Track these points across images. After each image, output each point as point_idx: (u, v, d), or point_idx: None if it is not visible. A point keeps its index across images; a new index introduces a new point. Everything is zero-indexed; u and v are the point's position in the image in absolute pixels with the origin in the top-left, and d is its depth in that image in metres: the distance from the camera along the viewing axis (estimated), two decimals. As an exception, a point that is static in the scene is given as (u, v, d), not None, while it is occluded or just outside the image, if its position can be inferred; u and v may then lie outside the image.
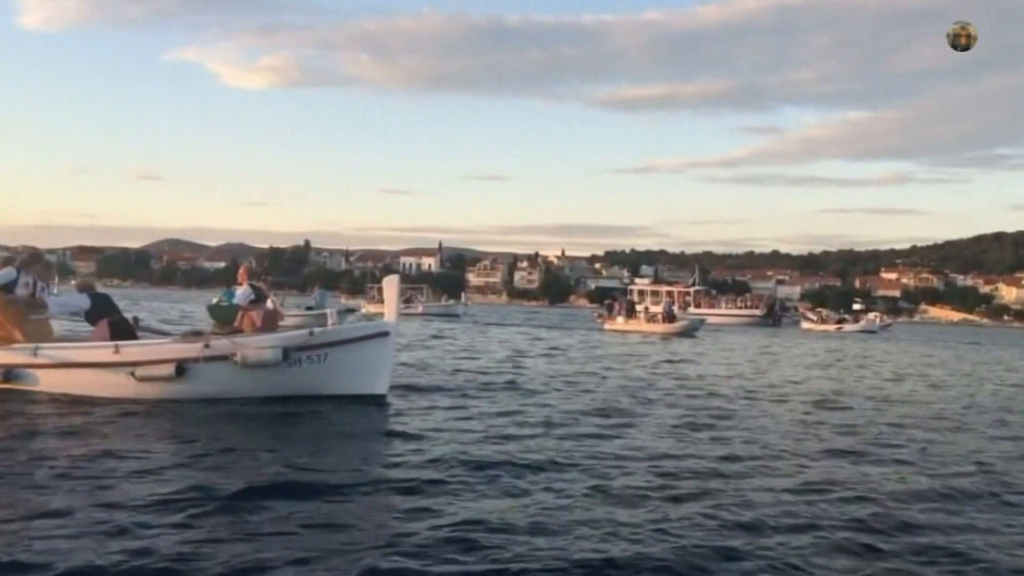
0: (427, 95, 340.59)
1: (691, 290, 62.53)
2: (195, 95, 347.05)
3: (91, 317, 10.16)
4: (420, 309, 49.97)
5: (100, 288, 10.76)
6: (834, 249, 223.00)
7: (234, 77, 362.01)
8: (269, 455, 6.75)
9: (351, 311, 30.98)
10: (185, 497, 5.32)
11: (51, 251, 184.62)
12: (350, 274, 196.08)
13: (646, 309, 42.16)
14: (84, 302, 10.21)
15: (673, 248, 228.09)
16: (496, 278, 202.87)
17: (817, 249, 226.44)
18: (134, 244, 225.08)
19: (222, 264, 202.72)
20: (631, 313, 40.71)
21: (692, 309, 57.41)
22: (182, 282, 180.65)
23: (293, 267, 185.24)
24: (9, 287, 9.82)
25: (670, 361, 20.02)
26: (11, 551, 4.25)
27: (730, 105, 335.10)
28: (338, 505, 5.36)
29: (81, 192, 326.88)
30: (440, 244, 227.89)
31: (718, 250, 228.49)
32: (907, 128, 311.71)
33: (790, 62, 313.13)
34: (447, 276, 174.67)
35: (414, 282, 78.31)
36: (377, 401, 9.49)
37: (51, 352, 9.62)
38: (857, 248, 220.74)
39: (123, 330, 9.96)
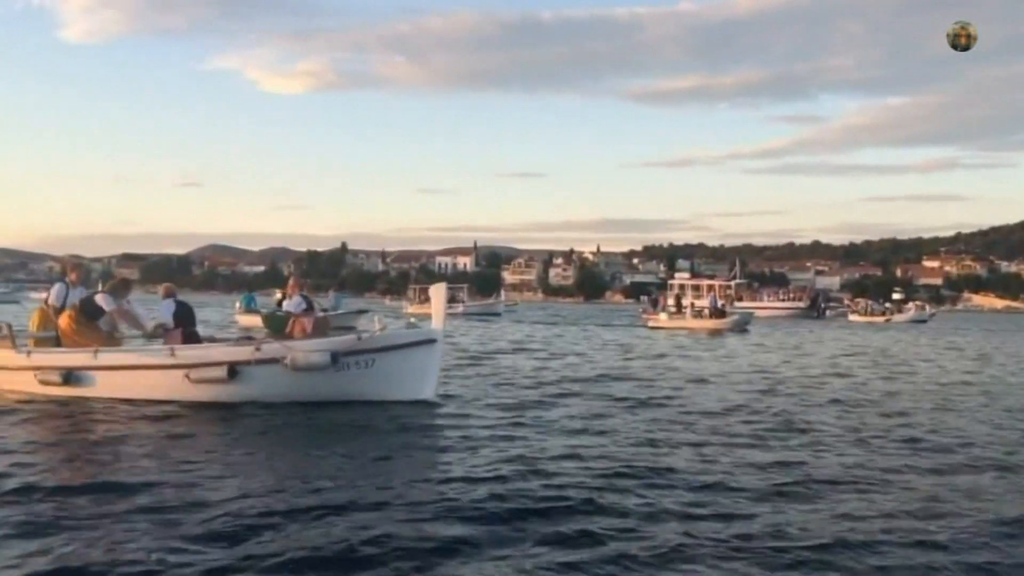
0: (461, 94, 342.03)
1: (732, 283, 61.81)
2: (234, 101, 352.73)
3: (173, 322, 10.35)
4: (461, 309, 50.13)
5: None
6: (876, 238, 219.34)
7: (271, 83, 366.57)
8: (317, 460, 6.85)
9: (362, 312, 31.17)
10: (234, 504, 5.42)
11: (96, 259, 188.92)
12: (386, 275, 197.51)
13: (691, 304, 41.10)
14: (170, 307, 10.47)
15: (712, 241, 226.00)
16: (531, 275, 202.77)
17: (859, 239, 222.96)
18: (178, 250, 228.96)
19: (261, 268, 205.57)
20: (677, 308, 39.69)
21: (735, 303, 56.64)
22: (223, 287, 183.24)
23: (330, 269, 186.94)
24: (95, 313, 10.22)
25: (757, 361, 19.25)
26: (88, 552, 4.37)
27: (767, 95, 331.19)
28: (383, 517, 5.31)
29: (124, 201, 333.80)
30: (475, 243, 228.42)
31: (758, 242, 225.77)
32: (949, 112, 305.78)
33: (827, 49, 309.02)
34: (483, 275, 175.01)
35: (450, 281, 78.33)
36: (424, 407, 9.51)
37: (109, 355, 9.90)
38: (900, 236, 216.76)
39: (193, 343, 10.20)
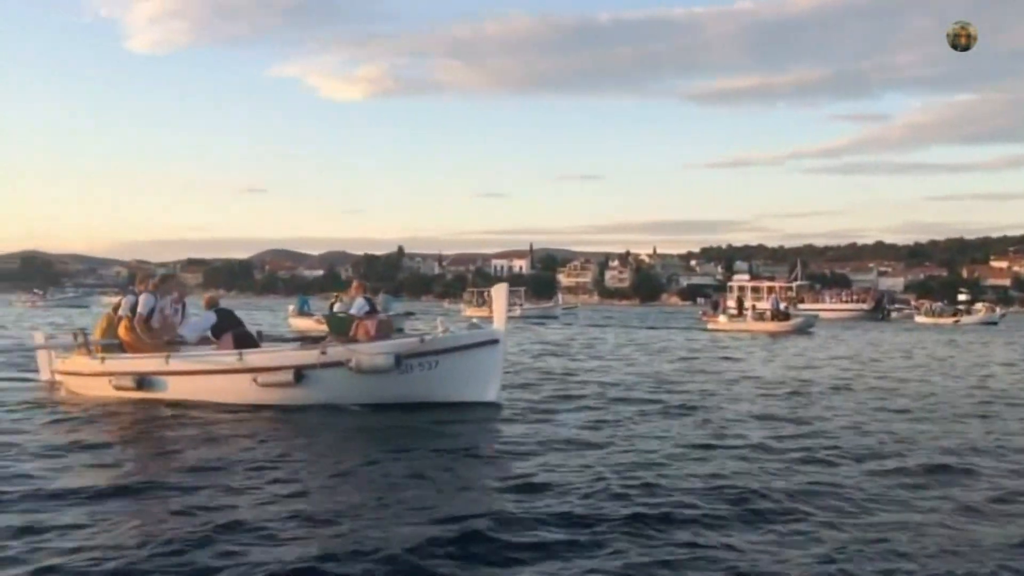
0: (518, 97, 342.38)
1: (793, 285, 60.54)
2: (296, 108, 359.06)
3: (216, 331, 10.55)
4: (519, 312, 50.18)
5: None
6: (942, 238, 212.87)
7: (332, 89, 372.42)
8: (383, 463, 6.88)
9: (410, 314, 31.47)
10: (301, 505, 5.50)
11: (163, 264, 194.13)
12: (443, 278, 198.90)
13: (753, 307, 40.14)
14: (211, 319, 10.63)
15: (771, 242, 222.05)
16: (587, 278, 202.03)
17: (924, 238, 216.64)
18: (242, 255, 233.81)
19: (320, 272, 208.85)
20: (738, 311, 38.80)
21: (798, 305, 55.39)
22: (283, 291, 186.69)
23: (387, 273, 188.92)
24: (148, 318, 10.45)
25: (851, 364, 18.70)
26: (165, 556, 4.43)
27: (828, 93, 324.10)
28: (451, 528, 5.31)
29: (191, 206, 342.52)
30: (531, 246, 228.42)
31: (819, 243, 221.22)
32: (1019, 109, 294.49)
33: (890, 46, 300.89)
34: (538, 277, 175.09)
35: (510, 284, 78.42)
36: (487, 408, 9.51)
37: (180, 360, 10.10)
38: (967, 236, 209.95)
39: (247, 343, 10.37)
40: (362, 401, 9.49)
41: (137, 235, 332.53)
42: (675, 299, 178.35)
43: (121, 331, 10.62)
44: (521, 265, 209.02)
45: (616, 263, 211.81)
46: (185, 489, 5.77)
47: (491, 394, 9.69)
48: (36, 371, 12.44)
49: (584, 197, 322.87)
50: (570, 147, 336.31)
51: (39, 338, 12.66)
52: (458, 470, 6.58)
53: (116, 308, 11.41)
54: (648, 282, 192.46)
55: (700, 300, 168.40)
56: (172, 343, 10.56)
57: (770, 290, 56.37)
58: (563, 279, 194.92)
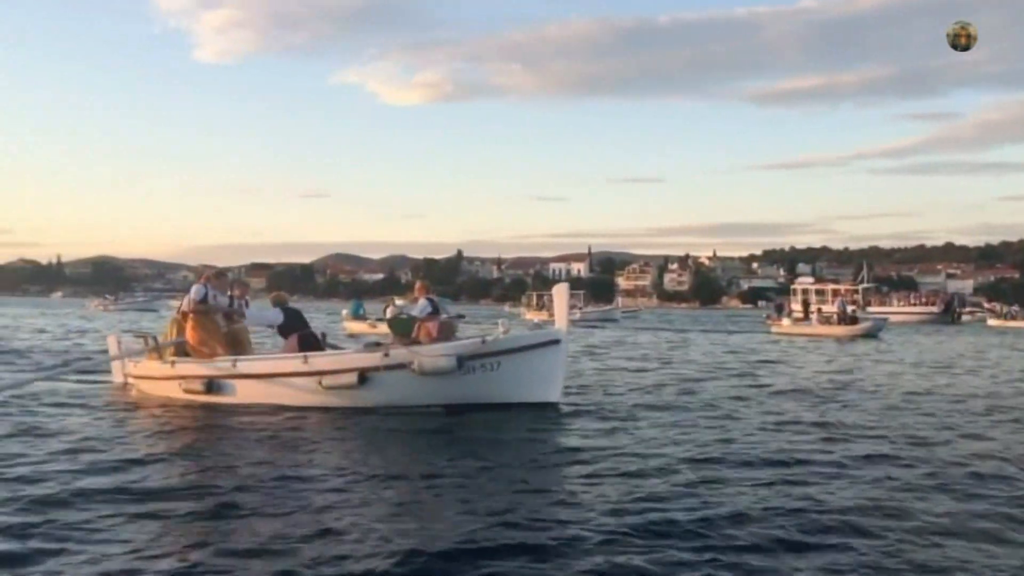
0: (577, 100, 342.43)
1: (859, 288, 58.98)
2: (356, 114, 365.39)
3: (283, 331, 10.74)
4: (578, 315, 50.05)
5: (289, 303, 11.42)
6: (1015, 239, 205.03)
7: (392, 95, 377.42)
8: (447, 466, 6.87)
9: (460, 317, 31.54)
10: (368, 508, 5.51)
11: (228, 268, 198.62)
12: (501, 282, 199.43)
13: (818, 310, 39.09)
14: (278, 316, 10.84)
15: (836, 244, 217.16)
16: (646, 281, 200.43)
17: (995, 239, 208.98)
18: (304, 259, 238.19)
19: (380, 276, 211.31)
20: (804, 314, 37.77)
21: (867, 308, 53.86)
22: (344, 294, 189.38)
23: (446, 277, 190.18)
24: (203, 301, 10.68)
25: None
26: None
27: (894, 92, 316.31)
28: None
29: (255, 212, 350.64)
30: (589, 249, 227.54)
31: (885, 244, 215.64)
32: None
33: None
34: (596, 281, 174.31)
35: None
36: (550, 409, 9.47)
37: (247, 364, 10.31)
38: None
39: (311, 344, 10.53)
40: (425, 403, 9.53)
41: (202, 240, 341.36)
42: (735, 302, 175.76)
43: (187, 328, 10.85)
44: (579, 268, 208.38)
45: (675, 266, 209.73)
46: (253, 492, 5.84)
47: (553, 395, 9.65)
48: (109, 373, 12.81)
49: (643, 200, 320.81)
50: (629, 150, 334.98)
51: (112, 344, 13.03)
52: (520, 472, 6.52)
53: (179, 309, 11.73)
54: (708, 285, 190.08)
55: (761, 303, 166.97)
56: (230, 320, 10.78)
57: (835, 293, 54.92)
58: (622, 282, 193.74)
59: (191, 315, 10.81)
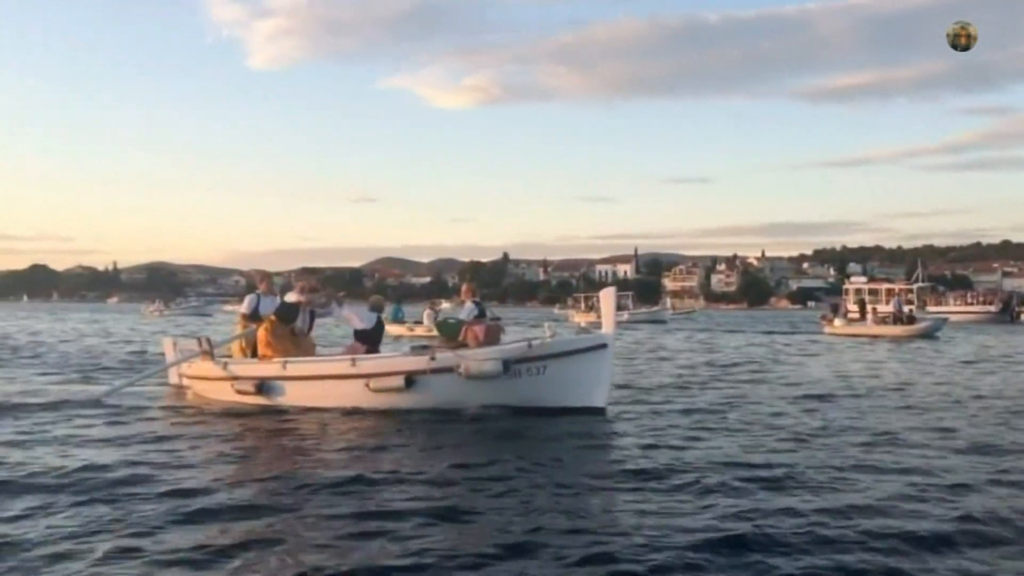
0: (626, 101, 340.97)
1: (914, 287, 57.57)
2: (405, 119, 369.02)
3: (362, 336, 10.85)
4: (626, 316, 49.76)
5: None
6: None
7: (440, 99, 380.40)
8: (494, 470, 6.90)
9: (496, 319, 31.63)
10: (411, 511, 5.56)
11: (278, 273, 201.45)
12: (547, 284, 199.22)
13: (874, 310, 38.10)
14: (372, 320, 10.99)
15: (889, 243, 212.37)
16: (693, 282, 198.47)
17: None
18: (354, 263, 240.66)
19: (427, 279, 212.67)
20: (861, 314, 36.69)
21: (926, 308, 52.39)
22: (391, 298, 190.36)
23: (493, 279, 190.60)
24: (290, 316, 10.88)
25: None
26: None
27: (951, 87, 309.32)
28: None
29: (305, 217, 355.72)
30: (635, 250, 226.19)
31: (940, 243, 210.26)
32: None
33: (1020, 35, 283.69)
34: (643, 282, 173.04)
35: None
36: (596, 414, 9.43)
37: (297, 365, 10.47)
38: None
39: (373, 352, 10.64)
40: (471, 406, 9.56)
41: (254, 245, 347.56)
42: (784, 302, 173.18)
43: (261, 332, 10.95)
44: (626, 270, 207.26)
45: (723, 267, 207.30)
46: (302, 493, 5.94)
47: (600, 400, 9.60)
48: (165, 375, 13.14)
49: (692, 200, 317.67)
50: (677, 150, 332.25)
51: (168, 347, 13.38)
52: (566, 478, 6.49)
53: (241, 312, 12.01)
54: (756, 285, 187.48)
55: (811, 303, 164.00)
56: (307, 343, 10.97)
57: (889, 292, 53.76)
58: (668, 283, 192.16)
59: (269, 324, 10.93)
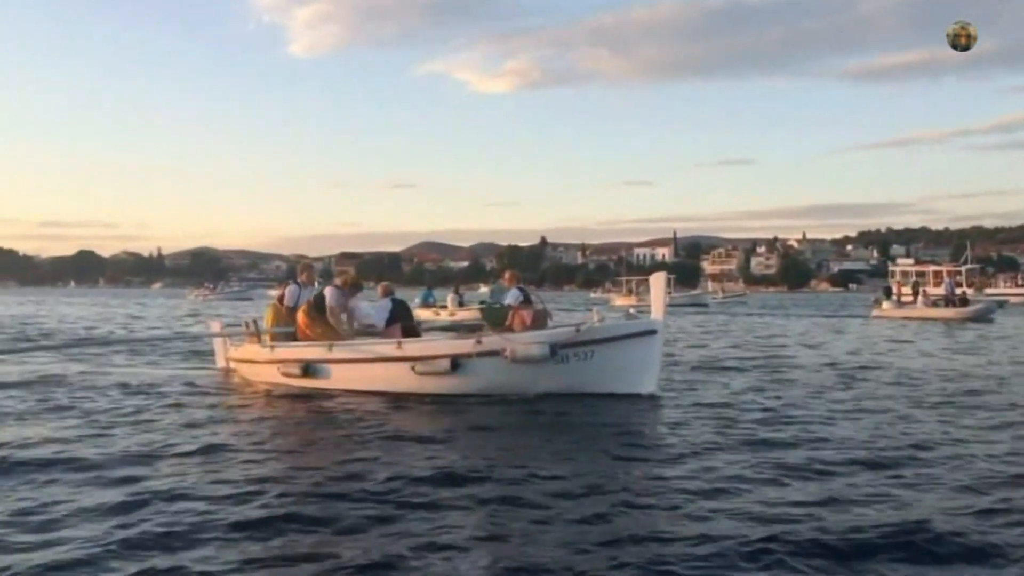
0: (666, 84, 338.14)
1: (963, 269, 56.21)
2: (444, 104, 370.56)
3: (388, 320, 10.84)
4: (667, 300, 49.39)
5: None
6: None
7: (480, 84, 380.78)
8: (543, 456, 6.76)
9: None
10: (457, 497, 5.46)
11: (318, 258, 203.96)
12: (585, 268, 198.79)
13: (924, 292, 37.24)
14: (389, 307, 10.94)
15: (936, 225, 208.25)
16: (732, 265, 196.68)
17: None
18: (395, 248, 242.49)
19: (465, 264, 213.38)
20: (914, 296, 35.78)
21: (984, 290, 50.99)
22: (430, 282, 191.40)
23: (530, 263, 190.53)
24: (322, 306, 10.80)
25: None
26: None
27: (1002, 65, 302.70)
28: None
29: (345, 202, 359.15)
30: (675, 234, 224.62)
31: (989, 224, 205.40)
32: None
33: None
34: (682, 265, 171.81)
35: (648, 273, 77.49)
36: (645, 401, 9.24)
37: (343, 348, 10.46)
38: None
39: (412, 336, 10.61)
40: (517, 391, 9.45)
41: (295, 231, 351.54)
42: (824, 285, 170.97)
43: (300, 318, 10.98)
44: (664, 253, 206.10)
45: (763, 249, 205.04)
46: (345, 478, 5.86)
47: (649, 386, 9.42)
48: (213, 359, 13.28)
49: (735, 183, 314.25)
50: (719, 132, 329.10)
51: (215, 327, 13.50)
52: (615, 469, 6.29)
53: (280, 299, 11.97)
54: (796, 268, 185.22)
55: (852, 286, 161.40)
56: (362, 333, 10.90)
57: (936, 274, 52.49)
58: (707, 266, 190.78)
59: (307, 311, 10.92)
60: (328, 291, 10.98)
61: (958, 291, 36.57)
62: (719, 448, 6.77)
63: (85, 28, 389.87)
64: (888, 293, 38.54)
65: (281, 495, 5.35)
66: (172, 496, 5.29)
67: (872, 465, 6.13)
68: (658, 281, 9.64)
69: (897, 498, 5.23)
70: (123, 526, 4.66)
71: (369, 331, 10.92)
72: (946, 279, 43.09)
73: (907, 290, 37.99)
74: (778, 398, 9.70)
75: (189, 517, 4.82)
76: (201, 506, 5.06)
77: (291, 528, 4.68)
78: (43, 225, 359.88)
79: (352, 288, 11.23)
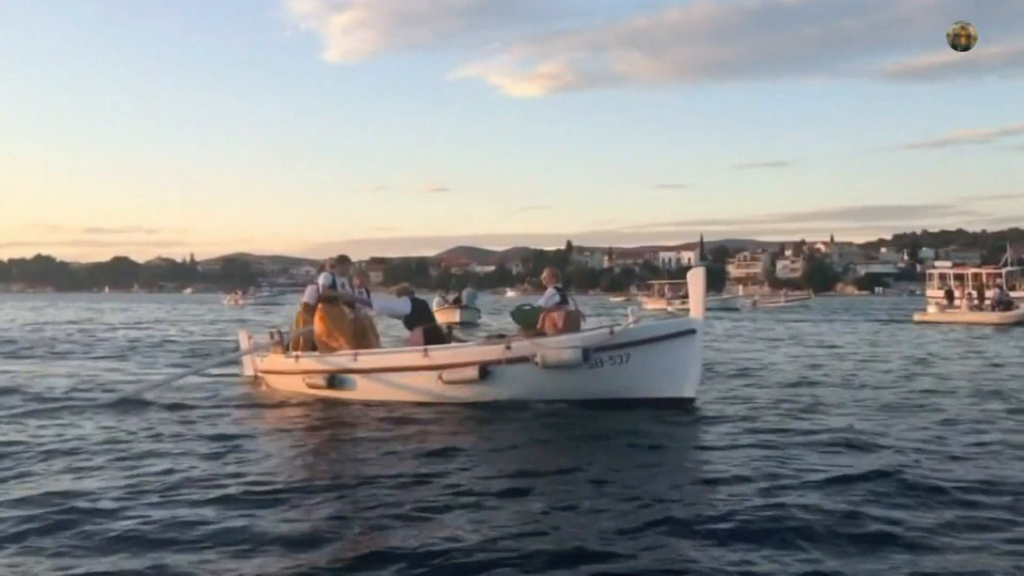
0: (700, 86, 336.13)
1: (1003, 271, 54.80)
2: (478, 108, 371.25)
3: (409, 323, 10.55)
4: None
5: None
6: None
7: (513, 87, 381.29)
8: (576, 470, 6.38)
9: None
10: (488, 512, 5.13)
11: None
12: (611, 272, 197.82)
13: (969, 295, 36.07)
14: (405, 307, 10.69)
15: (973, 227, 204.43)
16: (757, 268, 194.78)
17: None
18: (429, 252, 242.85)
19: (491, 268, 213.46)
20: (975, 299, 34.31)
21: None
22: (456, 287, 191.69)
23: (556, 268, 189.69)
24: (332, 287, 10.64)
25: None
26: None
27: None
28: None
29: (382, 207, 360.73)
30: (701, 237, 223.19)
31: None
32: None
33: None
34: (709, 269, 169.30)
35: (674, 277, 76.98)
36: (684, 406, 8.80)
37: (368, 358, 10.17)
38: None
39: (436, 338, 10.32)
40: (549, 398, 9.05)
41: (332, 236, 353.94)
42: (850, 288, 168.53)
43: (316, 317, 10.78)
44: (690, 257, 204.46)
45: (790, 252, 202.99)
46: (349, 488, 5.58)
47: (688, 390, 8.92)
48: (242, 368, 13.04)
49: (771, 185, 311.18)
50: (755, 134, 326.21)
51: (243, 338, 13.28)
52: (654, 481, 5.89)
53: (303, 301, 11.76)
54: (821, 271, 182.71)
55: (879, 289, 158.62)
56: (355, 310, 10.74)
57: (975, 277, 51.19)
58: (732, 270, 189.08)
59: (320, 305, 10.74)
60: (320, 278, 10.82)
61: (1011, 295, 35.15)
62: (764, 462, 6.33)
63: (125, 36, 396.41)
64: (950, 297, 37.28)
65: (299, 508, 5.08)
66: (166, 502, 5.10)
67: None
68: (697, 279, 9.10)
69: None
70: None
71: (363, 301, 10.82)
72: (997, 282, 41.34)
73: (974, 293, 36.33)
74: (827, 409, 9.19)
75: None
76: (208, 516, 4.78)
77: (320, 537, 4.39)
78: (87, 232, 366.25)
79: (339, 264, 10.97)
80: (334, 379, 10.23)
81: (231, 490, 5.56)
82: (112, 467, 6.34)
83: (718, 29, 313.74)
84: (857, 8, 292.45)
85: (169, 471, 6.17)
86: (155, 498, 5.38)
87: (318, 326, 10.70)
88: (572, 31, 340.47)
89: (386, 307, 11.16)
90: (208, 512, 5.04)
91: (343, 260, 11.22)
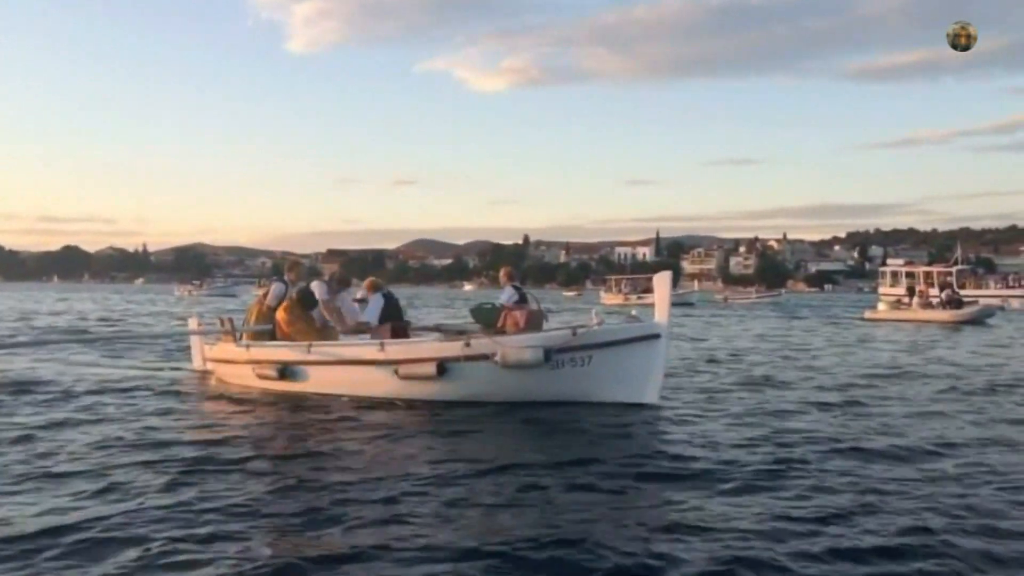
0: (668, 83, 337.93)
1: (952, 270, 55.87)
2: (444, 102, 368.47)
3: (381, 318, 10.19)
4: (649, 300, 48.98)
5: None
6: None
7: (479, 81, 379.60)
8: (529, 474, 6.15)
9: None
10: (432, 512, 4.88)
11: (305, 255, 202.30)
12: (566, 267, 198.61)
13: (920, 293, 36.54)
14: (380, 303, 10.29)
15: (925, 226, 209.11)
16: (711, 265, 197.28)
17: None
18: (390, 245, 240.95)
19: (449, 261, 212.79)
20: (910, 297, 35.06)
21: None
22: (413, 280, 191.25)
23: (513, 262, 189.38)
24: (309, 302, 10.32)
25: None
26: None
27: (1004, 65, 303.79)
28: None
29: (346, 200, 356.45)
30: (657, 232, 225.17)
31: (976, 226, 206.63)
32: None
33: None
34: (662, 265, 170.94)
35: (631, 272, 77.43)
36: (646, 411, 8.52)
37: (322, 349, 9.85)
38: None
39: (402, 335, 10.01)
40: (507, 398, 8.81)
41: (295, 228, 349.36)
42: (801, 285, 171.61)
43: (280, 314, 10.48)
44: (645, 252, 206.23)
45: (743, 249, 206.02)
46: (316, 490, 5.30)
47: (650, 395, 8.72)
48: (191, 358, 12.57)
49: (735, 182, 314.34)
50: (721, 132, 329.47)
51: (193, 325, 12.82)
52: (609, 483, 5.67)
53: (264, 295, 11.34)
54: (774, 268, 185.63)
55: (828, 287, 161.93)
56: (356, 331, 10.32)
57: (927, 275, 52.19)
58: (686, 266, 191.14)
59: (289, 304, 10.43)
60: (315, 285, 10.45)
61: (955, 293, 35.80)
62: (726, 464, 6.19)
63: (82, 25, 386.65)
64: (912, 293, 37.67)
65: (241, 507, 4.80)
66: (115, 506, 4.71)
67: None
68: (663, 282, 8.84)
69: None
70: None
71: (363, 329, 10.28)
72: (946, 279, 42.08)
73: (934, 291, 36.84)
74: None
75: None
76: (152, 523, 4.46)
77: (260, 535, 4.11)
78: (40, 220, 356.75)
79: (340, 284, 10.67)
80: (286, 371, 9.90)
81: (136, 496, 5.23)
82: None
83: (686, 27, 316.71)
84: (823, 7, 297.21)
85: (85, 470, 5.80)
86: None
87: (281, 319, 10.39)
88: (540, 26, 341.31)
89: (375, 315, 10.33)
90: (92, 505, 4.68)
91: (344, 282, 10.85)
